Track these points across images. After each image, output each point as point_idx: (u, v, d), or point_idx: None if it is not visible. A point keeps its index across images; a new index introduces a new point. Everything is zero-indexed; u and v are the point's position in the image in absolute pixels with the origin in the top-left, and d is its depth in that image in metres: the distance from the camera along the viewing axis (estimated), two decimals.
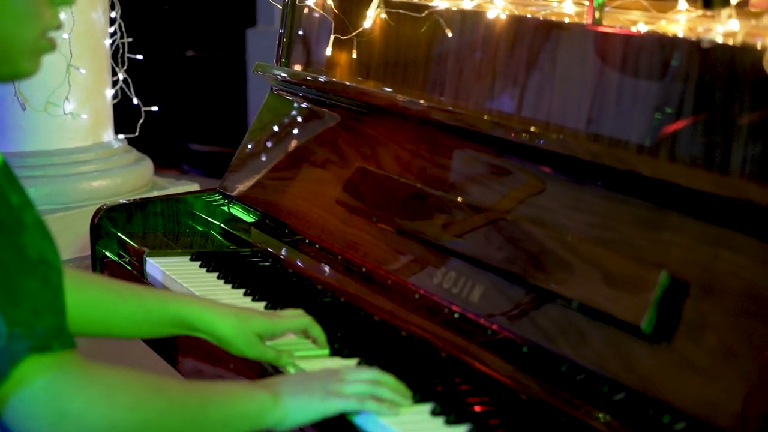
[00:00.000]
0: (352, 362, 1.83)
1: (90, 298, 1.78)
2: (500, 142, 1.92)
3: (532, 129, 1.84)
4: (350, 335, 1.92)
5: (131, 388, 1.46)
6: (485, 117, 1.97)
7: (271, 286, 2.20)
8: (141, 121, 3.59)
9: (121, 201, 2.59)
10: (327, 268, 2.19)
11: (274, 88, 2.66)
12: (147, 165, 3.61)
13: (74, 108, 3.39)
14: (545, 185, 1.81)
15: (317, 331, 1.87)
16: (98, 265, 2.56)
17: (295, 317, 1.87)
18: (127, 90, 3.57)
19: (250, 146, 2.63)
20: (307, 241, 2.29)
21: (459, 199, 1.94)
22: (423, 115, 2.12)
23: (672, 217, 1.57)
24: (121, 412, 1.43)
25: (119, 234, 2.54)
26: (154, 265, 2.36)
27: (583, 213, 1.72)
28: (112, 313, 1.79)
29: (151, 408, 1.46)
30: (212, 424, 1.54)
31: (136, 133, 3.61)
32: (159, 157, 3.87)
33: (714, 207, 1.51)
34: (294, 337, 1.90)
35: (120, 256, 2.52)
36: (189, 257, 2.40)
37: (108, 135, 3.54)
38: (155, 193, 3.32)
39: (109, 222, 2.55)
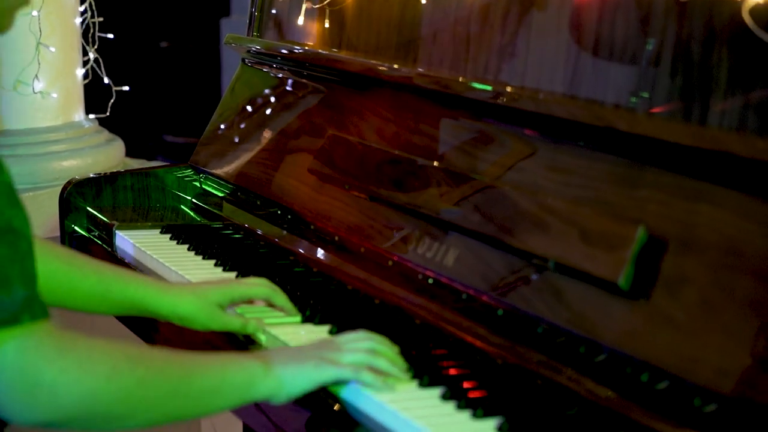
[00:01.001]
0: (324, 329, 1.79)
1: (52, 270, 1.73)
2: (474, 104, 1.88)
3: (508, 89, 1.80)
4: (322, 304, 1.88)
5: (108, 357, 1.40)
6: (460, 79, 1.94)
7: (242, 257, 2.16)
8: (112, 100, 3.53)
9: (90, 175, 2.54)
10: (299, 239, 2.15)
11: (246, 60, 2.62)
12: (118, 145, 3.55)
13: (44, 87, 3.33)
14: (520, 146, 1.78)
15: (282, 299, 1.83)
16: (67, 240, 2.51)
17: (257, 284, 1.82)
18: (98, 69, 3.52)
19: (221, 119, 2.58)
20: (279, 212, 2.25)
21: (433, 163, 1.90)
22: (395, 79, 2.08)
23: (650, 174, 1.54)
24: (98, 382, 1.38)
25: (88, 208, 2.49)
26: (124, 238, 2.32)
27: (560, 173, 1.69)
28: (71, 287, 1.75)
29: (129, 377, 1.40)
30: (198, 395, 1.48)
31: (107, 113, 3.55)
32: (133, 149, 3.82)
33: (693, 161, 1.48)
34: (264, 305, 1.86)
35: (89, 231, 2.47)
36: (159, 230, 2.36)
37: (79, 115, 3.48)
38: None
39: (78, 196, 2.50)
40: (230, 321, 1.77)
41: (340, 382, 1.56)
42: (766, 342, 1.31)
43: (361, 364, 1.56)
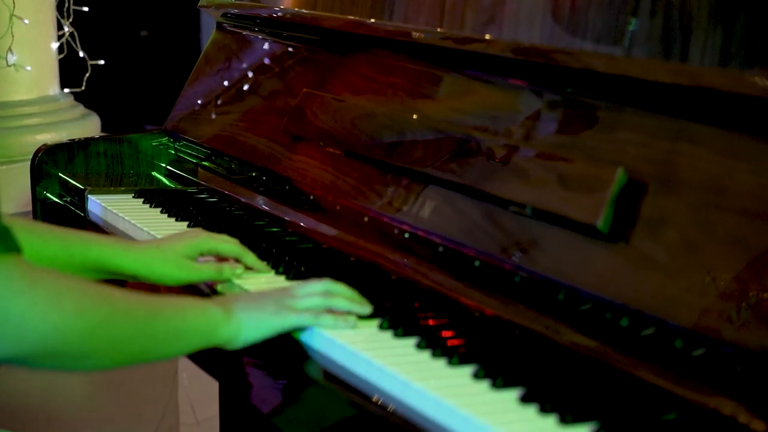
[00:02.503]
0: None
1: None
2: (449, 54, 1.84)
3: (486, 37, 1.76)
4: (296, 261, 1.84)
5: (76, 293, 1.38)
6: (437, 30, 1.89)
7: (216, 218, 2.12)
8: (87, 74, 3.49)
9: (62, 141, 2.49)
10: (274, 199, 2.11)
11: (222, 24, 2.58)
12: (94, 120, 3.51)
13: (18, 60, 3.28)
14: (495, 94, 1.74)
15: (251, 259, 1.79)
16: (39, 207, 2.47)
17: (226, 241, 1.78)
18: (72, 43, 3.47)
19: (195, 84, 2.54)
20: (255, 174, 2.21)
21: (407, 115, 1.86)
22: (369, 32, 2.04)
23: (629, 115, 1.50)
24: (65, 318, 1.35)
25: (60, 174, 2.44)
26: (96, 203, 2.27)
27: (536, 119, 1.65)
28: (34, 255, 1.69)
29: (95, 315, 1.38)
30: (161, 337, 1.47)
31: (83, 87, 3.51)
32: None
33: (673, 99, 1.44)
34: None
35: (61, 197, 2.43)
36: (132, 194, 2.32)
37: (54, 89, 3.43)
38: None
39: (49, 162, 2.45)
40: (202, 270, 1.73)
41: (302, 329, 1.55)
42: (750, 280, 1.27)
43: (318, 308, 1.55)
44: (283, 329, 1.55)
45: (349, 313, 1.56)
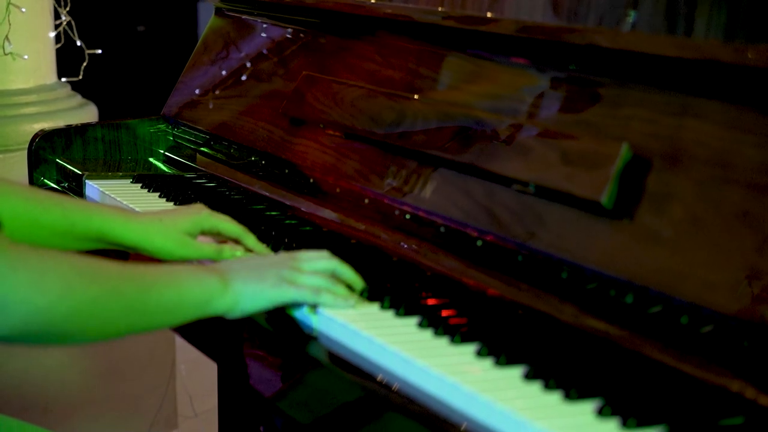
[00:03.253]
0: None
1: (11, 207, 1.65)
2: (450, 33, 1.82)
3: (488, 15, 1.75)
4: (296, 245, 1.82)
5: (61, 274, 1.34)
6: (438, 10, 1.88)
7: (215, 203, 2.09)
8: (85, 64, 3.46)
9: (60, 126, 2.47)
10: (273, 184, 2.09)
11: (221, 8, 2.56)
12: (91, 110, 3.48)
13: (15, 48, 3.25)
14: (499, 73, 1.72)
15: (251, 240, 1.76)
16: None
17: (228, 220, 1.76)
18: (70, 32, 3.45)
19: (193, 69, 2.52)
20: (253, 158, 2.19)
21: (408, 96, 1.84)
22: (369, 13, 2.02)
23: (633, 91, 1.49)
24: (51, 299, 1.32)
25: (57, 160, 2.43)
26: (94, 187, 2.26)
27: (540, 97, 1.63)
28: (33, 223, 1.67)
29: (82, 295, 1.35)
30: (154, 311, 1.43)
31: (80, 77, 3.48)
32: None
33: (677, 73, 1.42)
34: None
35: (59, 182, 2.41)
36: (131, 180, 2.30)
37: (51, 77, 3.40)
38: None
39: (47, 148, 2.43)
40: (202, 248, 1.70)
41: (301, 307, 1.54)
42: (756, 253, 1.26)
43: (320, 287, 1.53)
44: (282, 303, 1.53)
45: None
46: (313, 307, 1.53)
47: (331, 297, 1.53)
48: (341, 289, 1.55)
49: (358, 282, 1.58)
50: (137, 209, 2.05)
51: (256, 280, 1.51)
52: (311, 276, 1.54)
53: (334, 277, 1.56)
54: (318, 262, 1.56)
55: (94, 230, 1.68)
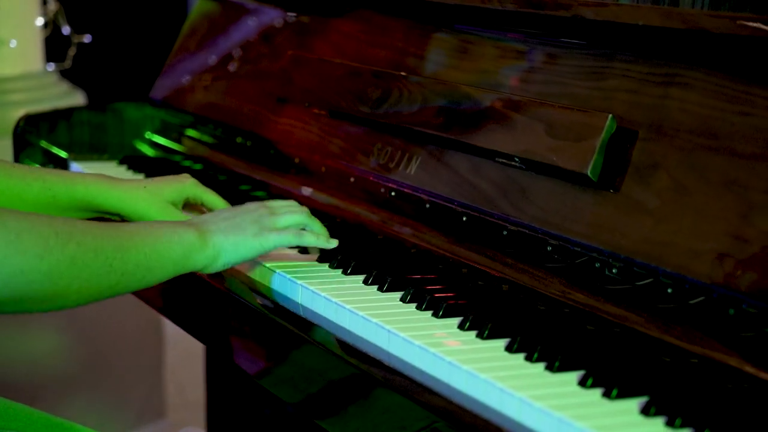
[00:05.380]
0: None
1: None
2: (434, 8, 1.81)
3: None
4: None
5: (39, 234, 1.31)
6: None
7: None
8: (74, 52, 3.45)
9: (44, 109, 2.45)
10: (258, 164, 2.08)
11: None
12: (79, 97, 3.47)
13: (2, 35, 3.24)
14: (483, 46, 1.71)
15: None
16: None
17: (214, 193, 1.75)
18: (58, 19, 3.43)
19: (180, 51, 2.50)
20: (239, 139, 2.17)
21: (392, 72, 1.83)
22: None
23: (618, 63, 1.47)
24: (28, 261, 1.29)
25: (42, 143, 2.41)
26: (79, 170, 2.24)
27: (526, 71, 1.62)
28: (16, 198, 1.65)
29: (60, 255, 1.32)
30: (133, 269, 1.41)
31: (67, 64, 3.47)
32: None
33: (662, 43, 1.41)
34: None
35: (44, 165, 2.39)
36: (116, 162, 2.28)
37: (38, 65, 3.39)
38: None
39: (32, 131, 2.41)
40: (184, 217, 1.68)
41: (284, 282, 1.55)
42: (744, 222, 1.24)
43: (299, 224, 1.56)
44: (265, 250, 1.53)
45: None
46: (298, 280, 1.53)
47: (314, 236, 1.56)
48: (318, 225, 1.59)
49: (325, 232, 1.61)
50: None
51: (236, 231, 1.51)
52: (290, 214, 1.56)
53: (310, 216, 1.60)
54: (290, 207, 1.59)
55: (78, 199, 1.67)
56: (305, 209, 1.60)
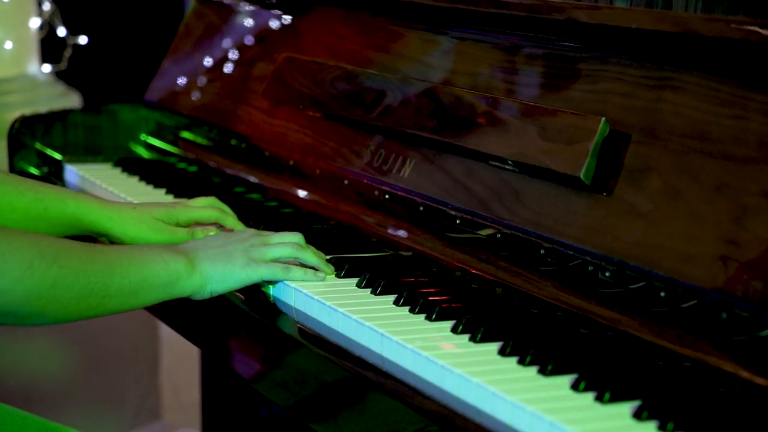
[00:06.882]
0: None
1: None
2: (428, 10, 1.81)
3: None
4: (275, 226, 1.80)
5: (21, 256, 1.31)
6: None
7: (195, 186, 2.08)
8: (70, 54, 3.44)
9: (40, 111, 2.45)
10: (253, 166, 2.08)
11: None
12: (75, 99, 3.46)
13: None
14: (476, 49, 1.71)
15: (231, 221, 1.74)
16: None
17: (204, 207, 1.74)
18: (54, 21, 3.43)
19: (175, 54, 2.50)
20: (234, 141, 2.17)
21: (386, 75, 1.82)
22: None
23: (611, 66, 1.47)
24: (8, 282, 1.29)
25: (37, 145, 2.40)
26: (74, 172, 2.24)
27: (518, 73, 1.62)
28: (8, 206, 1.65)
29: (42, 277, 1.32)
30: (116, 294, 1.40)
31: (63, 65, 3.46)
32: None
33: (656, 47, 1.41)
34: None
35: (39, 167, 2.39)
36: (111, 164, 2.28)
37: (33, 66, 3.38)
38: None
39: (27, 133, 2.41)
40: (175, 233, 1.68)
41: (276, 285, 1.54)
42: (736, 225, 1.24)
43: (288, 257, 1.53)
44: (252, 282, 1.52)
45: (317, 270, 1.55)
46: (291, 284, 1.53)
47: (301, 271, 1.53)
48: (311, 256, 1.55)
49: (323, 258, 1.58)
50: (117, 192, 2.04)
51: (224, 261, 1.50)
52: (280, 247, 1.53)
53: (302, 247, 1.56)
54: (283, 238, 1.56)
55: (68, 215, 1.67)
56: (299, 238, 1.57)
